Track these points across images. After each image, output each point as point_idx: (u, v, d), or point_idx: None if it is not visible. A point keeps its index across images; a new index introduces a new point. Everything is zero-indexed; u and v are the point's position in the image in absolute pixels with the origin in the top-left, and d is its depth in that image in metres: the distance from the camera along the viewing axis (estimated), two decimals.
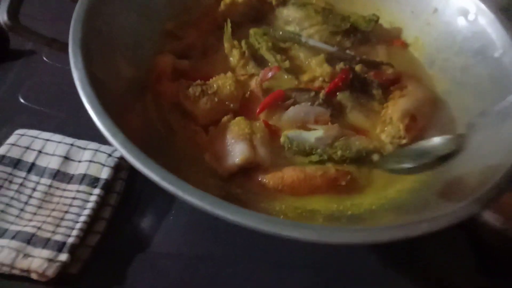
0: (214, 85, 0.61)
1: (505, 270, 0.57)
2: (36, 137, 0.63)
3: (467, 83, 0.64)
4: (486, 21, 0.64)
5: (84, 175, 0.59)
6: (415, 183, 0.56)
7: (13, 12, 0.50)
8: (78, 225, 0.55)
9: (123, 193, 0.61)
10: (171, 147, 0.58)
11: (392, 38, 0.77)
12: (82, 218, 0.55)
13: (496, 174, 0.45)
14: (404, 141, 0.60)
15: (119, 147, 0.43)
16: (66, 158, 0.61)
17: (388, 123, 0.62)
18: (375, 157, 0.58)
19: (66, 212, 0.56)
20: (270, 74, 0.63)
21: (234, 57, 0.67)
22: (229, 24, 0.69)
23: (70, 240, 0.53)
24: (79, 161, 0.61)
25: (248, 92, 0.64)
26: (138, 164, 0.41)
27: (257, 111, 0.62)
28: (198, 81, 0.61)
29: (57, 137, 0.64)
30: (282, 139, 0.60)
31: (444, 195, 0.49)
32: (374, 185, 0.57)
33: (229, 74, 0.63)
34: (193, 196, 0.40)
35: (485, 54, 0.63)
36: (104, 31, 0.56)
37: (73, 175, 0.60)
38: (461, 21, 0.68)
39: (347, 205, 0.54)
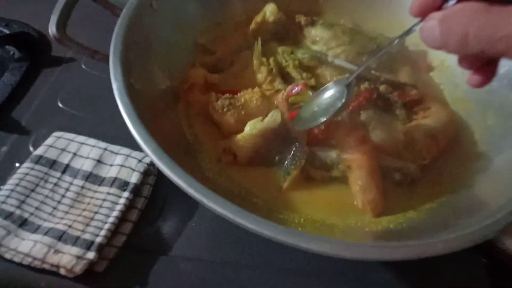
0: (242, 99, 0.63)
1: None
2: (72, 140, 0.67)
3: (492, 105, 0.64)
4: None
5: (115, 179, 0.62)
6: (434, 203, 0.56)
7: (61, 25, 0.54)
8: (106, 226, 0.57)
9: (150, 197, 0.63)
10: (198, 155, 0.61)
11: (417, 60, 0.78)
12: (111, 220, 0.58)
13: None
14: (425, 162, 0.60)
15: (151, 154, 0.45)
16: (99, 161, 0.65)
17: (410, 142, 0.62)
18: (397, 175, 0.59)
19: (96, 212, 0.59)
20: (296, 89, 0.65)
21: (261, 74, 0.69)
22: (259, 43, 0.71)
23: (98, 239, 0.56)
24: (111, 165, 0.64)
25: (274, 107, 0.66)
26: (168, 171, 0.44)
27: None
28: (227, 95, 0.64)
29: (92, 141, 0.67)
30: None
31: (463, 217, 0.49)
32: (393, 203, 0.58)
33: (256, 89, 0.65)
34: (217, 204, 0.42)
35: (511, 78, 0.63)
36: (142, 44, 0.60)
37: (104, 178, 0.63)
38: None
39: (365, 222, 0.55)
